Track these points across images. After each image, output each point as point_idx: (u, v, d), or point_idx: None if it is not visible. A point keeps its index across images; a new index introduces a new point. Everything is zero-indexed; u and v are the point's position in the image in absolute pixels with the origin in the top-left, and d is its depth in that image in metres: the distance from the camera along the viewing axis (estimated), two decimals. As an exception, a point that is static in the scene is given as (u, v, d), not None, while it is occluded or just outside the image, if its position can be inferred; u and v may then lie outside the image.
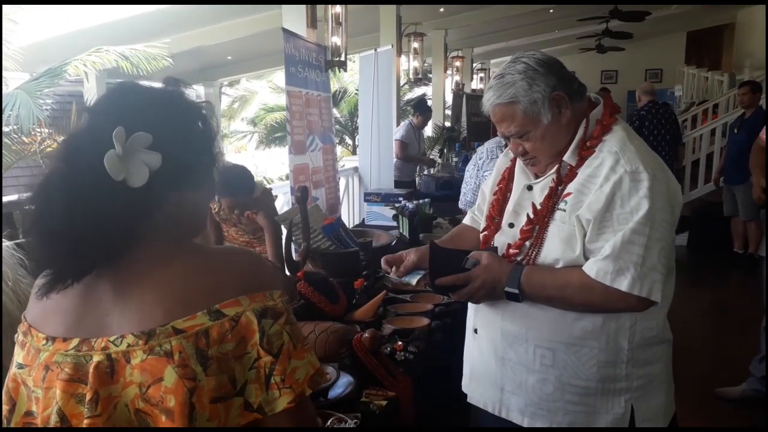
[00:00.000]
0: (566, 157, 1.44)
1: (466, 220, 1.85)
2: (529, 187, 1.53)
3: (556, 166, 1.46)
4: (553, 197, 1.43)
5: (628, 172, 1.34)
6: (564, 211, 1.40)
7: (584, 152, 1.42)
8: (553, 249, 1.41)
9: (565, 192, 1.41)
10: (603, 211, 1.34)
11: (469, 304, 1.63)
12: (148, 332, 0.81)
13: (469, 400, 1.63)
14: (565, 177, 1.43)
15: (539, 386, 1.45)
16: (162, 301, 0.83)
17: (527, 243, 1.45)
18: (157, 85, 0.97)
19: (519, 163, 1.57)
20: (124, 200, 0.83)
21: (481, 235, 1.64)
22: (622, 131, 1.42)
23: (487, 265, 1.45)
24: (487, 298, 1.49)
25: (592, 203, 1.35)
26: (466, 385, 1.66)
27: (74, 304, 0.87)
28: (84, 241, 0.82)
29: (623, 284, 1.31)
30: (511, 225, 1.53)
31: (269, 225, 3.07)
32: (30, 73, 6.18)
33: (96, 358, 0.82)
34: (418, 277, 1.62)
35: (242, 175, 2.93)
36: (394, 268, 1.63)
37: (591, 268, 1.34)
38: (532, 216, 1.45)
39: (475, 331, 1.60)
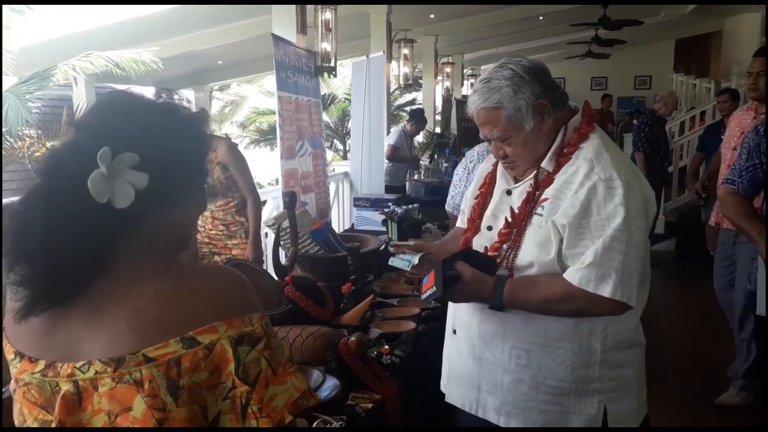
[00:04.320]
0: (544, 164, 1.47)
1: (459, 224, 1.87)
2: (509, 192, 1.56)
3: (534, 171, 1.49)
4: (531, 202, 1.46)
5: (602, 179, 1.37)
6: (541, 215, 1.43)
7: (561, 159, 1.46)
8: (529, 252, 1.43)
9: (542, 197, 1.44)
10: (579, 217, 1.36)
11: (449, 306, 1.67)
12: (117, 359, 0.78)
13: (447, 399, 1.65)
14: (542, 182, 1.47)
15: (514, 386, 1.48)
16: (133, 326, 0.79)
17: (505, 246, 1.48)
18: (149, 95, 0.93)
19: (500, 168, 1.60)
20: (108, 221, 0.80)
21: (463, 237, 1.67)
22: (598, 139, 1.46)
23: (469, 283, 1.44)
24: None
25: (567, 209, 1.38)
26: (444, 385, 1.68)
27: (44, 322, 0.83)
28: (62, 264, 0.79)
29: (606, 290, 1.34)
30: (490, 228, 1.56)
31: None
32: (18, 77, 6.15)
33: (63, 387, 0.80)
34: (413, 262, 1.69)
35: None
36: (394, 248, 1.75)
37: (573, 277, 1.37)
38: (510, 219, 1.48)
39: (454, 331, 1.63)
